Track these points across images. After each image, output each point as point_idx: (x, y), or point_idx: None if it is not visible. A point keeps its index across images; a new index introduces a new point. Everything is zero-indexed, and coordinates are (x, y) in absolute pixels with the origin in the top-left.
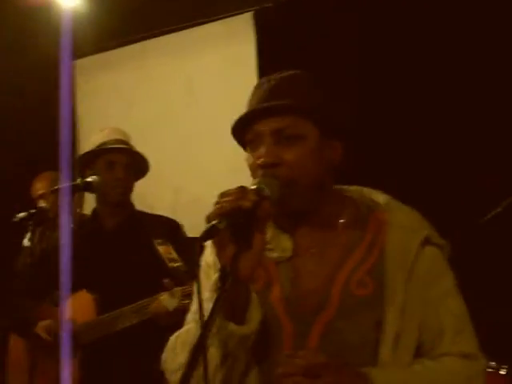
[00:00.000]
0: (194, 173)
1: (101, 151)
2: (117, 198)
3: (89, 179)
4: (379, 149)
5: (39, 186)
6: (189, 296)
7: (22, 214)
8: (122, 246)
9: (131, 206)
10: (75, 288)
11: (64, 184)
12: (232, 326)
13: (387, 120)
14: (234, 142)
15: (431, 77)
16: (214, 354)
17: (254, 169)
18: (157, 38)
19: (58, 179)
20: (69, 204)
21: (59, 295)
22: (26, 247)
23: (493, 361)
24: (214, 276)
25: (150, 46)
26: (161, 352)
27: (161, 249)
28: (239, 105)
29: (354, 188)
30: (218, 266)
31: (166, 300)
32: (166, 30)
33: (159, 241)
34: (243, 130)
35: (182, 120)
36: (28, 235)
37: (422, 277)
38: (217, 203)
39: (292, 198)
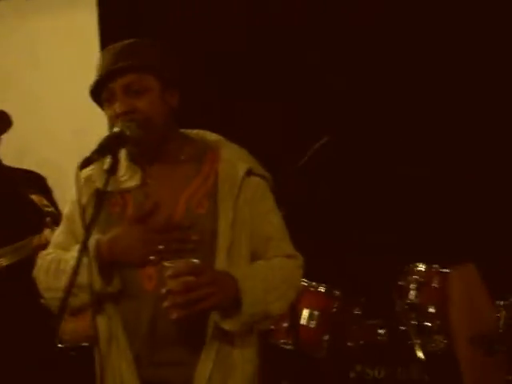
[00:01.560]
0: (38, 135)
1: None
2: None
3: None
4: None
5: None
6: None
7: None
8: None
9: None
10: None
11: None
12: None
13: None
14: (77, 105)
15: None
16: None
17: (112, 120)
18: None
19: None
20: None
21: None
22: None
23: (313, 281)
24: (78, 212)
25: None
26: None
27: (34, 197)
28: (81, 68)
29: (193, 131)
30: (81, 203)
31: (49, 235)
32: None
33: (31, 190)
34: (98, 91)
35: (26, 82)
36: None
37: (249, 198)
38: None
39: (148, 135)
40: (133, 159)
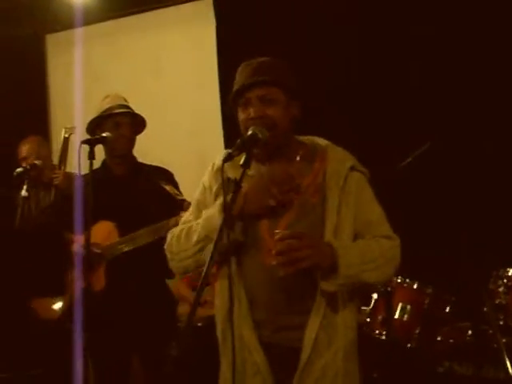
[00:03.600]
0: (158, 138)
1: (109, 115)
2: (123, 152)
3: (104, 135)
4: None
5: (24, 149)
6: None
7: (19, 170)
8: (133, 187)
9: (134, 157)
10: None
11: (85, 138)
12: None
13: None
14: (193, 112)
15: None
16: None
17: (244, 123)
18: (127, 17)
19: (41, 142)
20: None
21: None
22: (24, 197)
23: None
24: (210, 197)
25: (121, 25)
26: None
27: (167, 187)
28: (198, 78)
29: (305, 136)
30: (214, 189)
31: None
32: (135, 10)
33: (163, 182)
34: (236, 98)
35: (149, 92)
36: (25, 187)
37: (353, 190)
38: None
39: (274, 138)
40: (258, 159)
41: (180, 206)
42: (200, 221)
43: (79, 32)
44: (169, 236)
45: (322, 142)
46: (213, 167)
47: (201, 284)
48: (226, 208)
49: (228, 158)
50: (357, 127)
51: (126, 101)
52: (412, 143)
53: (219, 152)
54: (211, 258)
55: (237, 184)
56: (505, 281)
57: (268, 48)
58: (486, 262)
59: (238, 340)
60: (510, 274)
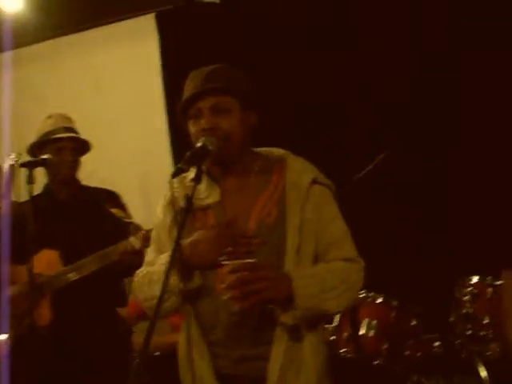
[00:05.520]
0: (103, 158)
1: (50, 140)
2: (66, 177)
3: (44, 157)
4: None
5: None
6: (148, 240)
7: None
8: (78, 212)
9: (78, 180)
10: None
11: (25, 160)
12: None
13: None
14: (137, 131)
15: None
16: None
17: (196, 135)
18: (66, 36)
19: None
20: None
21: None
22: None
23: (371, 292)
24: (164, 232)
25: (60, 44)
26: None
27: (113, 210)
28: (143, 97)
29: (262, 148)
30: (167, 222)
31: (134, 241)
32: (74, 28)
33: (109, 205)
34: (186, 109)
35: (92, 112)
36: None
37: (314, 205)
38: None
39: (225, 150)
40: (211, 175)
41: (127, 229)
42: (158, 269)
43: (10, 55)
44: (134, 280)
45: (279, 152)
46: (165, 198)
47: (152, 321)
48: (173, 260)
49: (177, 173)
50: (311, 139)
51: (70, 121)
52: (368, 154)
53: (166, 173)
54: (160, 299)
55: (188, 200)
56: (470, 289)
57: (214, 62)
58: (450, 271)
59: (198, 374)
60: (473, 281)
